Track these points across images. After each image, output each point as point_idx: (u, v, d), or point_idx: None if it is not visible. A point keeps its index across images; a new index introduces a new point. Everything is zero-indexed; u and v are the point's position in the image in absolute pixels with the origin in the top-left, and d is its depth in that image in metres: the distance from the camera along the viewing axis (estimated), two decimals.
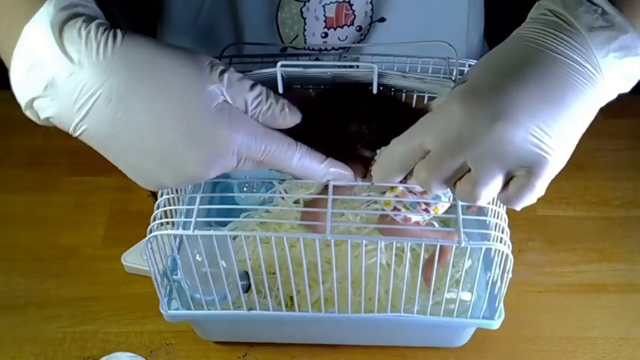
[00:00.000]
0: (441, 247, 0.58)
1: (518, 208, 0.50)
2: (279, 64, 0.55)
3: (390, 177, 0.53)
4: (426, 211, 0.58)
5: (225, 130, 0.49)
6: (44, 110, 0.48)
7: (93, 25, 0.46)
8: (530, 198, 0.49)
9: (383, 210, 0.59)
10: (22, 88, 0.47)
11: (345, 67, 0.63)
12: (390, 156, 0.52)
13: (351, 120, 0.58)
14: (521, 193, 0.48)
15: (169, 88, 0.47)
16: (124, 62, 0.46)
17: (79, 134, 0.48)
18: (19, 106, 0.49)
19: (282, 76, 0.56)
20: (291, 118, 0.52)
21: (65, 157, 0.90)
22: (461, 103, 0.47)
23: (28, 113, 0.49)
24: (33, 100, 0.48)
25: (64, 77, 0.46)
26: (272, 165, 0.52)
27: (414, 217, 0.58)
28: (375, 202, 0.63)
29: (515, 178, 0.48)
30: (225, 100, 0.49)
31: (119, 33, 0.47)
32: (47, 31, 0.46)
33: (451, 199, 0.57)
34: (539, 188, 0.49)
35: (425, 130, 0.49)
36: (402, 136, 0.51)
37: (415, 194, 0.57)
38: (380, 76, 0.56)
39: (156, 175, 0.49)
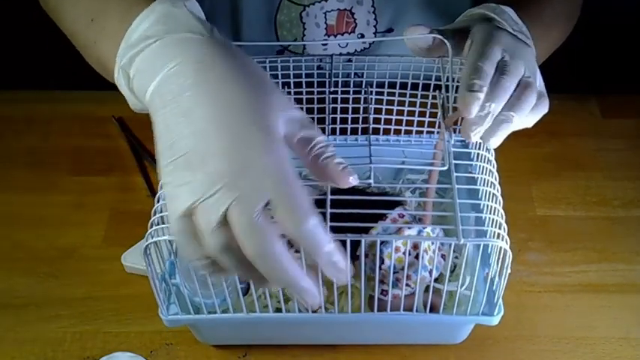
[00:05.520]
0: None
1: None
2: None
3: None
4: (408, 285, 0.63)
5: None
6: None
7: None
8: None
9: (371, 294, 0.65)
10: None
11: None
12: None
13: None
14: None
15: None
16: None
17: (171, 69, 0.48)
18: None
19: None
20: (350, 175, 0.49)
21: (65, 157, 0.90)
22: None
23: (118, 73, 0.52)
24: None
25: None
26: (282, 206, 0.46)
27: (400, 293, 0.63)
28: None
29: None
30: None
31: None
32: (180, 4, 0.51)
33: (432, 272, 0.64)
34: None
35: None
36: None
37: (397, 272, 0.63)
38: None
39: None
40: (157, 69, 0.48)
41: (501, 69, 0.58)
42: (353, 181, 0.48)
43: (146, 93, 0.49)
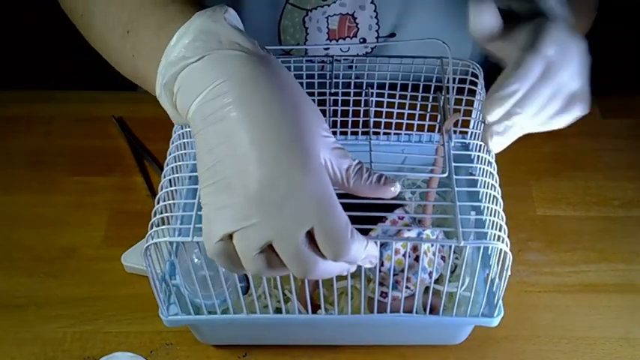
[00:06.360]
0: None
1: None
2: None
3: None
4: (407, 287, 0.63)
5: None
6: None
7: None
8: None
9: (370, 296, 0.65)
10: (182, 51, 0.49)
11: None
12: None
13: None
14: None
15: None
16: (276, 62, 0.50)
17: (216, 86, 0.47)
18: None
19: None
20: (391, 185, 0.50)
21: (65, 157, 0.90)
22: None
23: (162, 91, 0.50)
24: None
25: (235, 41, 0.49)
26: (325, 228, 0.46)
27: (400, 295, 0.63)
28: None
29: None
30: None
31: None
32: (220, 18, 0.50)
33: (432, 274, 0.64)
34: None
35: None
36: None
37: (396, 274, 0.63)
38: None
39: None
40: (198, 88, 0.47)
41: (545, 73, 0.54)
42: (395, 190, 0.50)
43: (188, 111, 0.48)
